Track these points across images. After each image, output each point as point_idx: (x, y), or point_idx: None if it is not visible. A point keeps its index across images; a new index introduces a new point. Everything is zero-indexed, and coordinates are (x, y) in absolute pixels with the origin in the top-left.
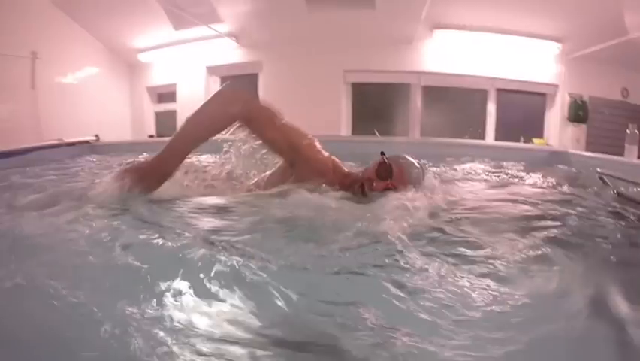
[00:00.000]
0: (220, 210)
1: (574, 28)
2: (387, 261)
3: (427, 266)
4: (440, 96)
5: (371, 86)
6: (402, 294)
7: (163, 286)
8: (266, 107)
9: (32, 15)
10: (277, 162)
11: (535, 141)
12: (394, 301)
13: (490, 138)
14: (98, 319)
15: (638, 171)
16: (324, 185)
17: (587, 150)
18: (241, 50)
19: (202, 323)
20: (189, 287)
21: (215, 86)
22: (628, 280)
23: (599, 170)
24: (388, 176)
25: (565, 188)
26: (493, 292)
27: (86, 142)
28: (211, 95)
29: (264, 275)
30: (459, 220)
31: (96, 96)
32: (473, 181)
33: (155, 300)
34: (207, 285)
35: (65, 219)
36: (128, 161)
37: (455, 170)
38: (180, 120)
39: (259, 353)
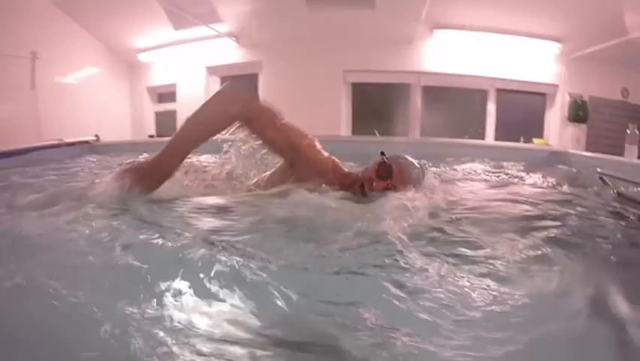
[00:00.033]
0: (220, 210)
1: (574, 28)
2: (387, 261)
3: (427, 266)
4: (440, 96)
5: (371, 86)
6: (402, 294)
7: (163, 286)
8: (266, 107)
9: (32, 15)
10: (277, 162)
11: (535, 141)
12: (394, 301)
13: (490, 138)
14: (98, 319)
15: (638, 171)
16: (324, 185)
17: (587, 150)
18: (241, 50)
19: (202, 323)
20: (189, 287)
21: (215, 86)
22: (628, 280)
23: (599, 170)
24: (388, 176)
25: (565, 188)
26: (493, 292)
27: (86, 142)
28: (211, 95)
29: (264, 275)
30: (459, 220)
31: (96, 96)
32: (473, 181)
33: (155, 300)
34: (207, 285)
35: (65, 219)
36: (128, 161)
37: (455, 170)
38: (180, 120)
39: (259, 353)
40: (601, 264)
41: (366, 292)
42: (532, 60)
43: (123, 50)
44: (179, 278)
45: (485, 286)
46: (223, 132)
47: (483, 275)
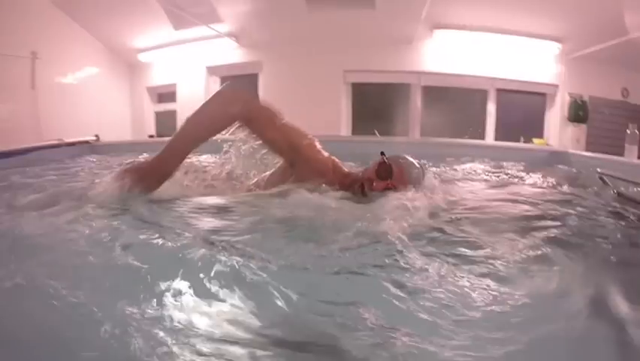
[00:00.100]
0: (220, 210)
1: (574, 28)
2: (387, 261)
3: (427, 266)
4: (440, 96)
5: (371, 86)
6: (402, 294)
7: (163, 286)
8: (266, 107)
9: (32, 15)
10: (277, 162)
11: (535, 141)
12: (394, 301)
13: (490, 138)
14: (98, 319)
15: (638, 171)
16: (324, 185)
17: (587, 150)
18: (241, 50)
19: (202, 323)
20: (189, 287)
21: (215, 86)
22: (628, 280)
23: (599, 170)
24: (388, 176)
25: (565, 188)
26: (493, 292)
27: (86, 142)
28: (211, 95)
29: (264, 275)
30: (459, 220)
31: (96, 96)
32: (473, 181)
33: (155, 300)
34: (207, 285)
35: (65, 219)
36: (128, 161)
37: (455, 170)
38: (180, 120)
39: (259, 353)
40: (601, 264)
41: (366, 292)
42: (532, 60)
43: (123, 50)
44: (179, 278)
45: (485, 286)
46: (223, 132)
47: (483, 275)
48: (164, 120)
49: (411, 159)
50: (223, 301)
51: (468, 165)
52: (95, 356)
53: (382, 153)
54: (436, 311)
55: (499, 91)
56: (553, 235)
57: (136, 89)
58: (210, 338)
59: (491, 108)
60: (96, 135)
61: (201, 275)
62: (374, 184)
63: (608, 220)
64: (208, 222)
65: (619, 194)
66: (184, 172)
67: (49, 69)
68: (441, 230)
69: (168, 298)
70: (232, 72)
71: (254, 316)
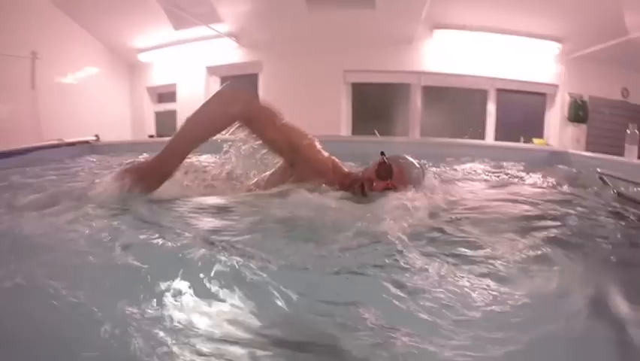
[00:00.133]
0: (220, 210)
1: (574, 28)
2: (387, 261)
3: (427, 266)
4: (440, 96)
5: (371, 86)
6: (402, 294)
7: (163, 286)
8: (266, 107)
9: (32, 15)
10: (277, 162)
11: (535, 141)
12: (394, 301)
13: (490, 138)
14: (98, 319)
15: (638, 171)
16: (324, 185)
17: (587, 150)
18: (241, 50)
19: (202, 323)
20: (189, 287)
21: (215, 86)
22: (628, 280)
23: (599, 170)
24: (388, 176)
25: (565, 188)
26: (493, 292)
27: (86, 142)
28: (211, 95)
29: (264, 275)
30: (459, 220)
31: (96, 96)
32: (473, 181)
33: (155, 300)
34: (207, 285)
35: (65, 219)
36: (128, 161)
37: (455, 170)
38: (180, 120)
39: (259, 353)
40: (601, 264)
41: (366, 292)
42: (532, 60)
43: (123, 50)
44: (179, 278)
45: (485, 286)
46: (223, 132)
47: (483, 275)
48: (164, 120)
49: (411, 159)
50: (223, 301)
51: (468, 165)
52: (95, 356)
53: (382, 153)
54: (436, 311)
55: (499, 91)
56: (553, 235)
57: (136, 89)
58: (210, 338)
59: (491, 108)
60: (96, 135)
61: (201, 275)
62: (374, 184)
63: (608, 220)
64: (208, 222)
65: (619, 194)
66: (184, 172)
67: (49, 69)
68: (441, 230)
69: (168, 298)
70: (232, 72)
71: (254, 316)
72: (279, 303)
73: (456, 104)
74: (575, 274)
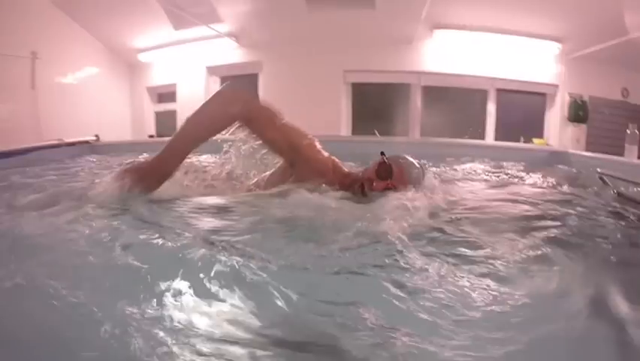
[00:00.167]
0: (220, 210)
1: (574, 28)
2: (387, 261)
3: (427, 266)
4: (440, 96)
5: (371, 86)
6: (402, 294)
7: (163, 286)
8: (266, 107)
9: (32, 15)
10: (277, 162)
11: (535, 141)
12: (394, 301)
13: (490, 138)
14: (98, 319)
15: (638, 171)
16: (324, 185)
17: (587, 150)
18: (241, 50)
19: (202, 323)
20: (189, 287)
21: (215, 86)
22: (628, 280)
23: (599, 170)
24: (388, 176)
25: (565, 188)
26: (493, 292)
27: (86, 142)
28: (211, 95)
29: (264, 275)
30: (459, 220)
31: (96, 96)
32: (473, 181)
33: (155, 300)
34: (207, 285)
35: (65, 219)
36: (128, 161)
37: (455, 170)
38: (180, 120)
39: (259, 353)
40: (601, 264)
41: (366, 292)
42: (532, 60)
43: (123, 50)
44: (179, 278)
45: (485, 286)
46: (223, 132)
47: (483, 275)
48: (164, 120)
49: (411, 159)
50: (223, 301)
51: (468, 165)
52: (95, 356)
53: (382, 153)
54: (436, 311)
55: (499, 91)
56: (553, 235)
57: (136, 89)
58: (210, 338)
59: (491, 108)
60: (96, 135)
61: (201, 275)
62: (374, 184)
63: (608, 220)
64: (208, 222)
65: (619, 194)
66: (184, 172)
67: (49, 69)
68: (441, 230)
69: (168, 298)
70: (232, 72)
71: (254, 316)
72: (279, 303)
73: (456, 104)
74: (575, 274)
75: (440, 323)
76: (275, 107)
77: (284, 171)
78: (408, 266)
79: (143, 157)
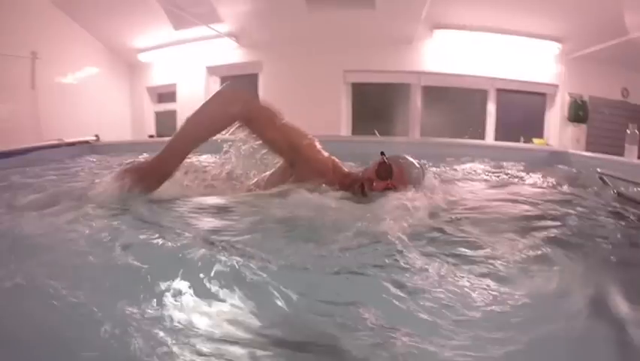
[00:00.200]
0: (220, 210)
1: (574, 28)
2: (387, 261)
3: (427, 266)
4: (440, 96)
5: (371, 86)
6: (402, 294)
7: (163, 286)
8: (266, 107)
9: (32, 15)
10: (277, 162)
11: (535, 141)
12: (394, 301)
13: (490, 138)
14: (98, 319)
15: (638, 171)
16: (324, 185)
17: (587, 150)
18: (241, 50)
19: (202, 323)
20: (189, 287)
21: (215, 86)
22: (628, 280)
23: (599, 170)
24: (388, 176)
25: (565, 188)
26: (493, 292)
27: (86, 142)
28: (211, 95)
29: (264, 275)
30: (459, 220)
31: (96, 96)
32: (473, 181)
33: (155, 300)
34: (207, 285)
35: (65, 219)
36: (128, 161)
37: (455, 170)
38: (180, 120)
39: (259, 353)
40: (601, 264)
41: (366, 292)
42: (532, 60)
43: (123, 50)
44: (179, 278)
45: (485, 286)
46: (223, 132)
47: (483, 275)
48: (164, 120)
49: (411, 159)
50: (223, 301)
51: (468, 165)
52: (95, 356)
53: (382, 153)
54: (436, 311)
55: (499, 91)
56: (553, 235)
57: (136, 89)
58: (210, 338)
59: (491, 108)
60: (96, 135)
61: (201, 275)
62: (374, 184)
63: (608, 220)
64: (208, 222)
65: (619, 194)
66: (184, 172)
67: (49, 69)
68: (441, 230)
69: (168, 298)
70: (232, 72)
71: (254, 316)
72: (279, 303)
73: (456, 104)
74: (575, 274)
75: (440, 323)
76: (275, 107)
77: (284, 171)
78: (408, 266)
79: (143, 157)
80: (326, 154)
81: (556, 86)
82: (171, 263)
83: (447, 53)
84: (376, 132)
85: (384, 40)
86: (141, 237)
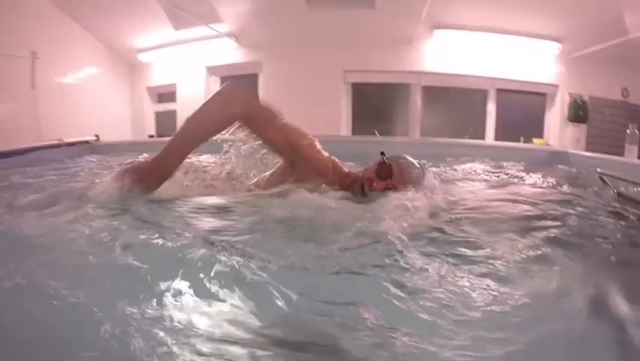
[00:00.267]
0: (220, 210)
1: (574, 28)
2: (387, 261)
3: (427, 266)
4: (440, 96)
5: (371, 86)
6: (402, 294)
7: (163, 286)
8: (266, 107)
9: (32, 15)
10: (277, 162)
11: (535, 141)
12: (394, 301)
13: (490, 138)
14: (98, 319)
15: (638, 171)
16: (324, 185)
17: (587, 150)
18: (241, 50)
19: (202, 323)
20: (189, 287)
21: (215, 86)
22: (628, 280)
23: (599, 170)
24: (388, 176)
25: (565, 188)
26: (493, 292)
27: (86, 142)
28: (211, 95)
29: (264, 275)
30: (459, 220)
31: (96, 96)
32: (473, 181)
33: (155, 300)
34: (207, 285)
35: (65, 219)
36: (128, 161)
37: (455, 170)
38: (180, 120)
39: (259, 353)
40: (601, 264)
41: (366, 292)
42: (532, 60)
43: (123, 50)
44: (179, 278)
45: (485, 286)
46: (223, 132)
47: (483, 275)
48: (164, 120)
49: (411, 159)
50: (223, 301)
51: (468, 165)
52: (95, 356)
53: (382, 153)
54: (436, 311)
55: (499, 91)
56: (553, 235)
57: (136, 89)
58: (210, 338)
59: (491, 108)
60: (96, 135)
61: (201, 275)
62: (374, 184)
63: (608, 220)
64: (208, 222)
65: (619, 194)
66: (184, 172)
67: (49, 69)
68: (441, 230)
69: (168, 298)
70: (232, 72)
71: (254, 316)
72: (279, 303)
73: (456, 104)
74: (575, 274)
75: (440, 323)
76: (275, 107)
77: (284, 171)
78: (408, 266)
79: (143, 157)
80: (326, 154)
81: (556, 86)
82: (171, 263)
83: (447, 53)
84: (376, 132)
85: (384, 40)
86: (141, 237)
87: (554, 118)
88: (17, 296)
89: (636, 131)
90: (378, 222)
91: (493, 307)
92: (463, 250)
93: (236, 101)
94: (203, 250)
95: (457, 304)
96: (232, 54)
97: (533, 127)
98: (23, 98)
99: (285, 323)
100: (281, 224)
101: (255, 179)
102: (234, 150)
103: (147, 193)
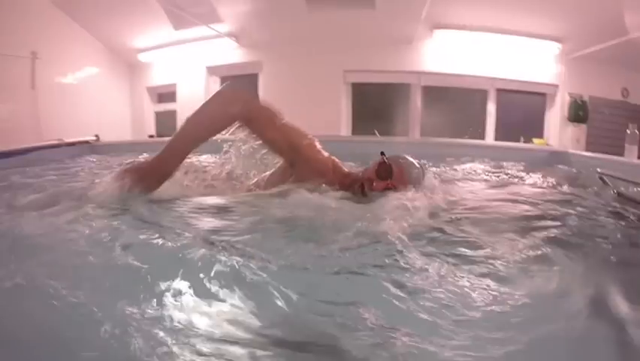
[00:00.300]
0: (220, 210)
1: (574, 28)
2: (387, 261)
3: (427, 266)
4: (440, 96)
5: (371, 86)
6: (402, 294)
7: (163, 286)
8: (266, 107)
9: (32, 15)
10: (277, 162)
11: (535, 141)
12: (394, 301)
13: (490, 138)
14: (98, 319)
15: (638, 171)
16: (324, 185)
17: (587, 150)
18: (241, 50)
19: (202, 323)
20: (189, 287)
21: (215, 86)
22: (628, 280)
23: (599, 170)
24: (388, 176)
25: (565, 188)
26: (493, 292)
27: (86, 142)
28: (211, 95)
29: (264, 275)
30: (459, 220)
31: (96, 96)
32: (473, 181)
33: (155, 300)
34: (207, 285)
35: (65, 219)
36: (128, 161)
37: (455, 170)
38: (180, 120)
39: (259, 353)
40: (601, 264)
41: (366, 292)
42: (532, 60)
43: (123, 50)
44: (179, 278)
45: (485, 286)
46: (223, 132)
47: (483, 275)
48: (164, 120)
49: (411, 159)
50: (223, 301)
51: (468, 165)
52: (95, 356)
53: (382, 153)
54: (436, 311)
55: (499, 91)
56: (553, 235)
57: (136, 89)
58: (210, 338)
59: (491, 108)
60: (96, 135)
61: (201, 275)
62: (374, 184)
63: (608, 220)
64: (208, 222)
65: (619, 194)
66: (184, 172)
67: (49, 69)
68: (441, 230)
69: (168, 298)
70: (232, 72)
71: (254, 316)
72: (279, 303)
73: (456, 104)
74: (575, 274)
75: (440, 323)
76: (275, 107)
77: (284, 171)
78: (408, 266)
79: (143, 157)
80: (326, 154)
81: (556, 86)
82: (171, 263)
83: (447, 53)
84: (376, 132)
85: (384, 40)
86: (141, 237)
87: (554, 118)
88: (17, 296)
89: (636, 131)
90: (378, 222)
91: (493, 307)
92: (463, 250)
93: (236, 101)
94: (203, 250)
95: (457, 304)
96: (232, 54)
97: (533, 127)
98: (23, 98)
99: (285, 323)
100: (281, 224)
101: (255, 179)
102: (234, 150)
103: (147, 193)
